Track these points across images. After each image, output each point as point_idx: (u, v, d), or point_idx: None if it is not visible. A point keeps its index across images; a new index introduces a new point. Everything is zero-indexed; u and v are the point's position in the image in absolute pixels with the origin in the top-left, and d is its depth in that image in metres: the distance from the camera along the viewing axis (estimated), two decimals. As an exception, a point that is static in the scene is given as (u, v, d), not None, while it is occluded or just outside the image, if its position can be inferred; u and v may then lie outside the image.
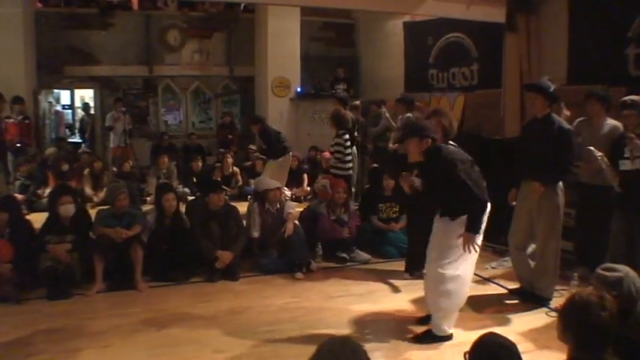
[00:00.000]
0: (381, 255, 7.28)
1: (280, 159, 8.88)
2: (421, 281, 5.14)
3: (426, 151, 4.59)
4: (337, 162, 8.10)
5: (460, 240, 4.51)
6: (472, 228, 4.47)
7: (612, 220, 5.57)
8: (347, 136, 8.14)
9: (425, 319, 5.03)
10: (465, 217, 4.52)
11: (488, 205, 4.63)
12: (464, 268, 4.67)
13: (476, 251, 4.58)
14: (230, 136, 13.23)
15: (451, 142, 5.68)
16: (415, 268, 6.16)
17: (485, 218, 4.57)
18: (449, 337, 4.73)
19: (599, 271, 3.28)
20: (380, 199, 7.63)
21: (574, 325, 2.55)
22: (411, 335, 4.83)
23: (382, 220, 7.55)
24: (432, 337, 4.72)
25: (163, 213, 6.48)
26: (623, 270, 3.19)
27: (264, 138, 9.23)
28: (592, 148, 5.38)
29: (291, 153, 9.09)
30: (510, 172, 5.97)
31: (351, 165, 8.32)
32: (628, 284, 3.11)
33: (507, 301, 5.78)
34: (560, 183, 5.43)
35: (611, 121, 5.89)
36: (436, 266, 4.64)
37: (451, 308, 4.72)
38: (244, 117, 14.32)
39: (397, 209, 7.58)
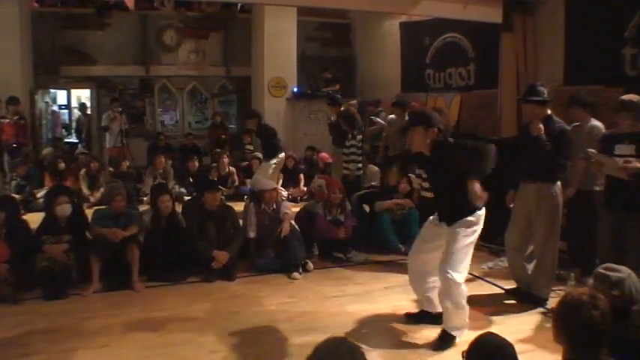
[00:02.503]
0: (383, 246, 7.39)
1: (274, 160, 8.74)
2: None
3: (433, 144, 4.53)
4: (355, 164, 8.14)
5: (466, 240, 4.53)
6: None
7: (599, 220, 5.58)
8: (360, 137, 8.15)
9: (414, 317, 5.07)
10: (462, 220, 4.52)
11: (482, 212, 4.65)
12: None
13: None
14: (223, 136, 13.21)
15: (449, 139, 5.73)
16: None
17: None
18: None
19: (600, 270, 3.29)
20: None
21: (566, 324, 2.55)
22: (426, 344, 4.71)
23: (393, 221, 7.58)
24: (451, 340, 4.64)
25: (159, 213, 6.48)
26: (625, 271, 3.21)
27: (260, 134, 9.03)
28: (592, 150, 5.37)
29: (283, 154, 8.94)
30: (507, 172, 5.97)
31: (361, 165, 8.35)
32: (629, 285, 3.13)
33: (504, 302, 5.79)
34: (559, 183, 5.44)
35: (593, 122, 5.92)
36: (448, 271, 4.50)
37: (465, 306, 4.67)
38: (241, 117, 14.30)
39: (406, 210, 7.60)
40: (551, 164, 5.34)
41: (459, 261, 4.52)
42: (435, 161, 4.63)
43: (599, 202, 5.83)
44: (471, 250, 4.66)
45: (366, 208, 7.84)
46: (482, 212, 4.61)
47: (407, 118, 4.88)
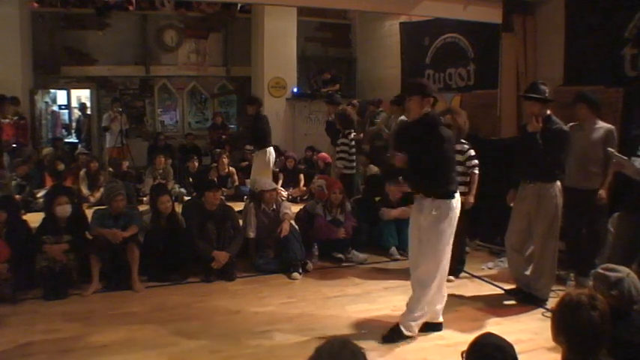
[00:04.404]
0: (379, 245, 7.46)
1: (266, 150, 8.65)
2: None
3: (424, 116, 4.53)
4: (344, 162, 8.13)
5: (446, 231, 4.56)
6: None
7: (617, 223, 5.56)
8: (352, 136, 8.16)
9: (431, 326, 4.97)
10: (438, 201, 4.52)
11: (458, 197, 4.67)
12: (444, 266, 4.70)
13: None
14: (223, 137, 13.22)
15: (463, 140, 5.76)
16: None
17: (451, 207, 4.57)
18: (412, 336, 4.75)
19: (599, 270, 3.29)
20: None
21: (565, 325, 2.55)
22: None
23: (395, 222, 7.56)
24: (401, 336, 4.71)
25: (159, 214, 6.48)
26: (624, 271, 3.21)
27: (256, 121, 8.88)
28: (611, 149, 5.36)
29: (272, 147, 8.83)
30: (508, 172, 5.97)
31: (355, 164, 8.35)
32: (628, 285, 3.13)
33: (504, 302, 5.79)
34: (559, 183, 5.44)
35: (602, 124, 5.90)
36: (420, 265, 4.64)
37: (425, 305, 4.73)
38: (240, 117, 14.31)
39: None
40: (545, 163, 5.34)
41: (434, 252, 4.59)
42: (417, 133, 4.59)
43: (602, 203, 5.86)
44: (449, 243, 4.69)
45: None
46: (456, 199, 4.64)
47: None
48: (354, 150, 8.22)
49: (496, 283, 6.31)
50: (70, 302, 5.64)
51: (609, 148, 5.42)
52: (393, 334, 4.72)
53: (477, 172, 6.04)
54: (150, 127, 14.10)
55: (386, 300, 5.79)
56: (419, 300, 4.69)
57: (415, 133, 4.65)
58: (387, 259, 7.24)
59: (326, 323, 5.13)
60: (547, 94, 5.36)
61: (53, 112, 15.52)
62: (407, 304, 4.78)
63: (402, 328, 4.71)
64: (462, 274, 6.53)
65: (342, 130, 8.23)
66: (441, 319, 4.93)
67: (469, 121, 6.05)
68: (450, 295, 5.46)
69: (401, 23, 11.77)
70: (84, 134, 15.25)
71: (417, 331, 4.75)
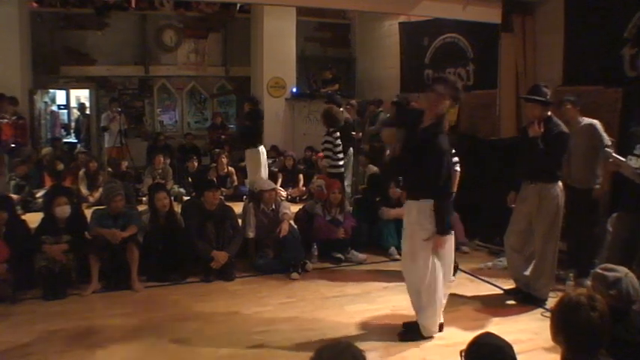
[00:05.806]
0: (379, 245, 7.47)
1: (257, 148, 8.81)
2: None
3: (430, 125, 4.53)
4: (330, 160, 8.12)
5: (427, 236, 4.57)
6: (440, 229, 4.53)
7: (614, 223, 5.56)
8: (337, 134, 8.13)
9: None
10: (429, 202, 4.53)
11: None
12: (435, 262, 4.70)
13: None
14: (223, 137, 13.21)
15: None
16: None
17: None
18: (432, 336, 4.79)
19: (597, 270, 3.29)
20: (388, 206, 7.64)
21: (565, 326, 2.55)
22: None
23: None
24: (419, 336, 4.75)
25: (157, 212, 6.48)
26: (622, 270, 3.21)
27: (250, 116, 9.02)
28: (609, 150, 5.38)
29: (262, 146, 8.95)
30: (507, 172, 5.97)
31: (342, 163, 8.32)
32: (627, 284, 3.13)
33: (503, 302, 5.79)
34: (560, 184, 5.44)
35: (586, 120, 5.94)
36: (412, 265, 4.70)
37: (436, 305, 4.74)
38: (240, 118, 14.29)
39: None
40: (546, 164, 5.34)
41: (423, 253, 4.63)
42: (416, 146, 4.60)
43: (602, 201, 5.86)
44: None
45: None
46: None
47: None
48: (339, 149, 8.16)
49: (495, 282, 6.32)
50: (69, 302, 5.64)
51: (607, 149, 5.43)
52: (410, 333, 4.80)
53: (457, 169, 6.02)
54: (149, 127, 14.09)
55: (385, 300, 5.80)
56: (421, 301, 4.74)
57: (419, 141, 4.63)
58: (387, 259, 7.24)
59: (325, 323, 5.14)
60: (548, 97, 5.36)
61: (52, 112, 15.50)
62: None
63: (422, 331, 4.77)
64: (462, 274, 6.53)
65: (327, 128, 8.22)
66: (441, 319, 4.93)
67: (468, 121, 6.06)
68: (450, 295, 5.46)
69: (400, 23, 11.77)
70: (83, 134, 15.24)
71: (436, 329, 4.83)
